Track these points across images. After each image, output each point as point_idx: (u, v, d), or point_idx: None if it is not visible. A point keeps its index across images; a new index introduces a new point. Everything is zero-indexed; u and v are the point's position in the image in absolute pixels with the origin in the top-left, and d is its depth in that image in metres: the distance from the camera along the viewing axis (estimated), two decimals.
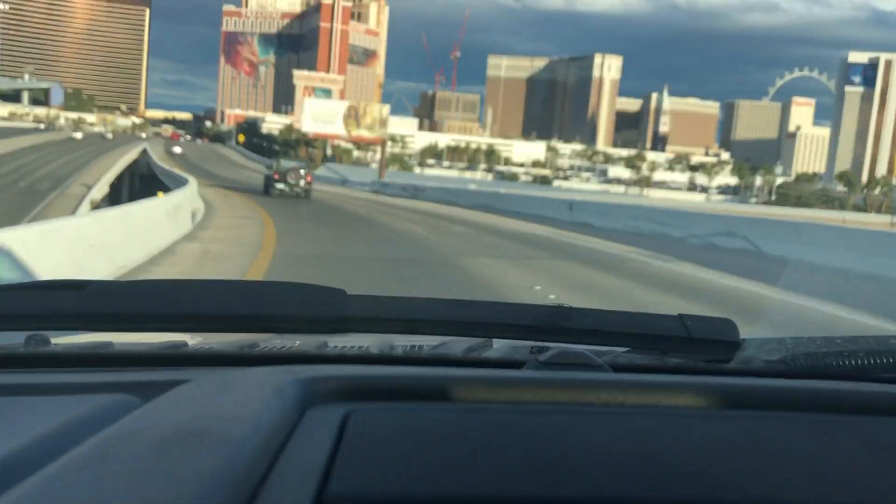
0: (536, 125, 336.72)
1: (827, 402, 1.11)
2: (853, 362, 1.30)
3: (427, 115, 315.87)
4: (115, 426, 0.84)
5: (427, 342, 1.52)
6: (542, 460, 0.85)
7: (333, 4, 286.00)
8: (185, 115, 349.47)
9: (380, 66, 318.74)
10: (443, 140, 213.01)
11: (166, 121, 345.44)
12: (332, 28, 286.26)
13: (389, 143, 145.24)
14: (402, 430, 0.91)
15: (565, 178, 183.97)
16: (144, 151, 72.19)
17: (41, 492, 0.67)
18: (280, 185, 35.50)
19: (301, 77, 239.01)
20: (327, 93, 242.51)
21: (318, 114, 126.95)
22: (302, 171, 36.59)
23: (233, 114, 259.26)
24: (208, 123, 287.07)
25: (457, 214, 34.38)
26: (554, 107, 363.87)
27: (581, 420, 0.99)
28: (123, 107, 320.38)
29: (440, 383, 1.09)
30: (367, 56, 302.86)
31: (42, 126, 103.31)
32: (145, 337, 1.48)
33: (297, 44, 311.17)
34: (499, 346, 1.47)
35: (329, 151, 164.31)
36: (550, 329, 1.33)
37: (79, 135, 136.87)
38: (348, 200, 43.65)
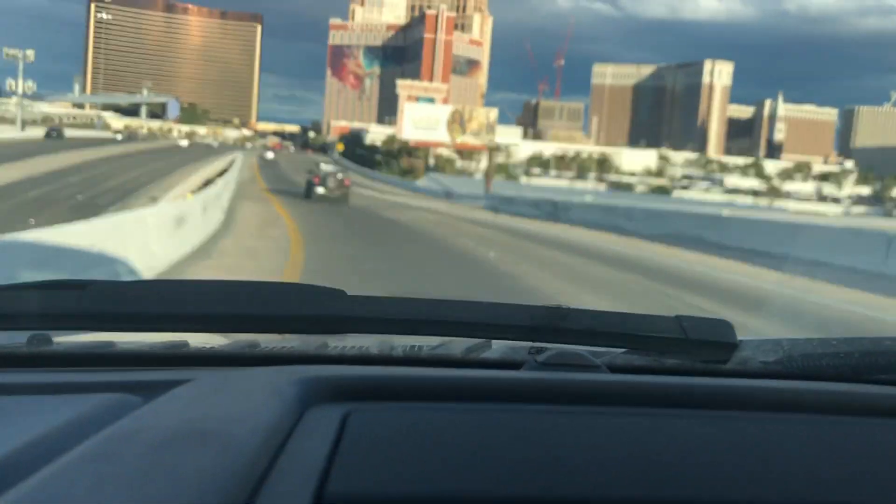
0: (643, 133, 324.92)
1: (823, 404, 1.11)
2: (849, 364, 1.29)
3: (530, 124, 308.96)
4: (115, 425, 0.84)
5: (426, 343, 1.51)
6: (541, 461, 0.85)
7: (437, 15, 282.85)
8: (293, 128, 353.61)
9: (482, 76, 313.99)
10: (547, 149, 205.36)
11: (275, 133, 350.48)
12: (435, 38, 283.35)
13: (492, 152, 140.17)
14: (401, 430, 0.91)
15: (683, 188, 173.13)
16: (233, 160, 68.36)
17: (43, 490, 0.67)
18: (319, 189, 36.05)
19: (404, 86, 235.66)
20: (430, 101, 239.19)
21: (420, 119, 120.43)
22: (340, 176, 37.05)
23: (337, 125, 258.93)
24: (312, 134, 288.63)
25: (678, 264, 19.48)
26: (661, 114, 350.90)
27: (579, 421, 0.99)
28: (236, 120, 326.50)
29: (439, 384, 1.10)
30: (470, 66, 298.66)
31: (119, 136, 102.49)
32: (146, 337, 1.47)
33: (401, 55, 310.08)
34: (497, 347, 1.46)
35: (431, 161, 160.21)
36: (549, 330, 1.33)
37: (185, 142, 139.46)
38: (456, 227, 29.54)
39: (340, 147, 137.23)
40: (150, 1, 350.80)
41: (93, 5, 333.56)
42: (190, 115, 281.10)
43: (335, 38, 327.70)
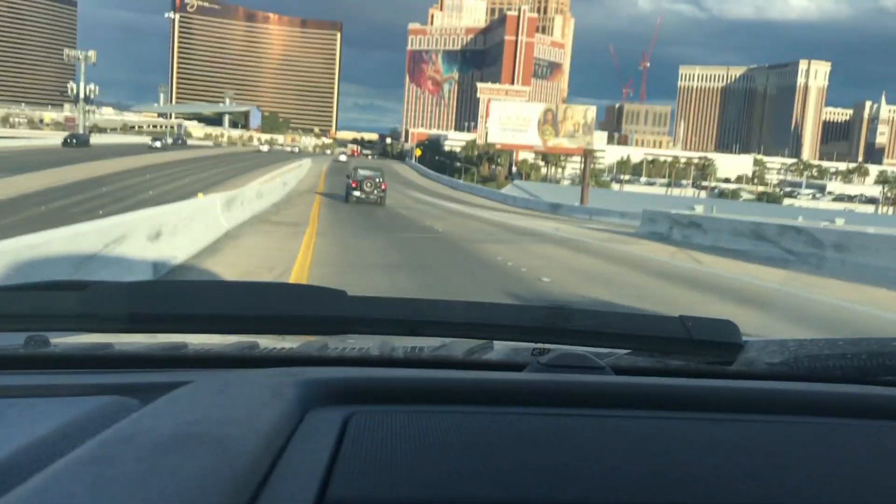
0: (732, 137, 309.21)
1: (830, 406, 1.09)
2: (856, 365, 1.27)
3: (614, 128, 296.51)
4: (114, 428, 0.83)
5: (428, 344, 1.50)
6: (544, 464, 0.84)
7: (518, 16, 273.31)
8: (372, 136, 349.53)
9: (564, 80, 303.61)
10: (634, 154, 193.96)
11: (354, 141, 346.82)
12: (516, 41, 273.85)
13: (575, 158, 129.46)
14: (403, 433, 0.90)
15: (788, 196, 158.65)
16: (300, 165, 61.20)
17: (40, 494, 0.66)
18: (357, 193, 36.54)
19: (484, 90, 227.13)
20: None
21: (508, 119, 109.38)
22: (377, 180, 37.17)
23: (416, 132, 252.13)
24: (388, 141, 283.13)
25: None
26: (752, 117, 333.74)
27: (583, 423, 0.97)
28: (317, 129, 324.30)
29: (441, 386, 1.08)
30: (552, 69, 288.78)
31: (157, 144, 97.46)
32: (145, 338, 1.46)
33: (480, 59, 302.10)
34: (500, 348, 1.45)
35: (513, 167, 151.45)
36: (551, 331, 1.31)
37: (265, 147, 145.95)
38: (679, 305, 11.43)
39: (418, 153, 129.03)
40: (233, 11, 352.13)
41: (177, 16, 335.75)
42: (271, 124, 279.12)
43: (414, 43, 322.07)
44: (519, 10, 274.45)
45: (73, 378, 1.20)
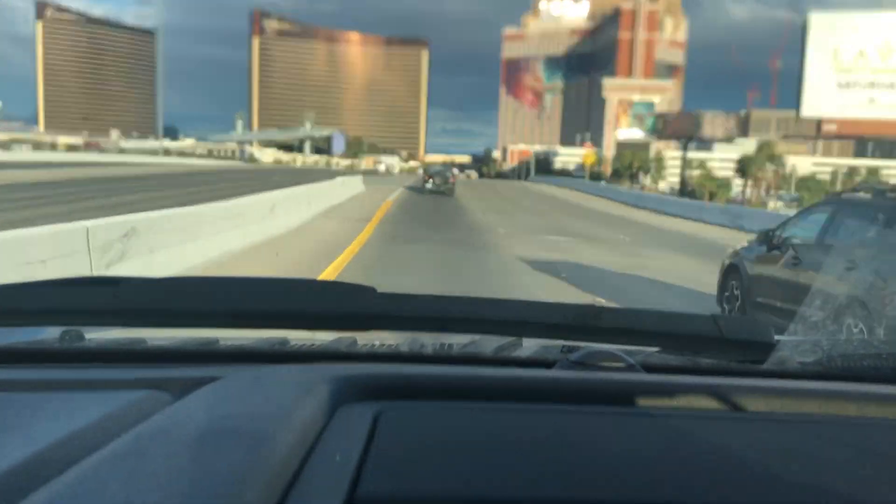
0: (882, 143, 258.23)
1: (863, 406, 1.07)
2: (890, 365, 1.24)
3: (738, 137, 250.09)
4: (148, 422, 0.83)
5: (457, 341, 1.48)
6: (575, 461, 0.83)
7: (635, 9, 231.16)
8: (463, 158, 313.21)
9: (681, 84, 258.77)
10: (801, 164, 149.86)
11: (444, 164, 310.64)
12: (633, 38, 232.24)
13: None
14: (433, 429, 0.89)
15: None
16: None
17: (75, 487, 0.66)
18: (428, 185, 43.70)
19: (612, 87, 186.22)
20: (649, 107, 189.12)
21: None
22: (447, 175, 44.84)
23: (515, 149, 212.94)
24: (483, 165, 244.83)
25: None
26: None
27: (614, 421, 0.96)
28: (404, 152, 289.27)
29: (471, 382, 1.07)
30: (671, 72, 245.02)
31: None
32: (178, 333, 1.46)
33: (588, 64, 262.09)
34: (529, 346, 1.43)
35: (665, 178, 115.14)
36: (581, 328, 1.27)
37: (382, 167, 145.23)
38: None
39: (590, 160, 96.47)
40: (313, 32, 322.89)
41: (256, 39, 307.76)
42: (355, 148, 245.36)
43: (510, 50, 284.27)
44: (636, 1, 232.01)
45: (108, 372, 1.20)
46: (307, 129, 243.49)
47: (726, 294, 8.95)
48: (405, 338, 1.50)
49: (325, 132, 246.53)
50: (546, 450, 0.84)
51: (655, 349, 1.33)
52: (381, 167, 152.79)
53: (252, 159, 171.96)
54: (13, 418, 0.93)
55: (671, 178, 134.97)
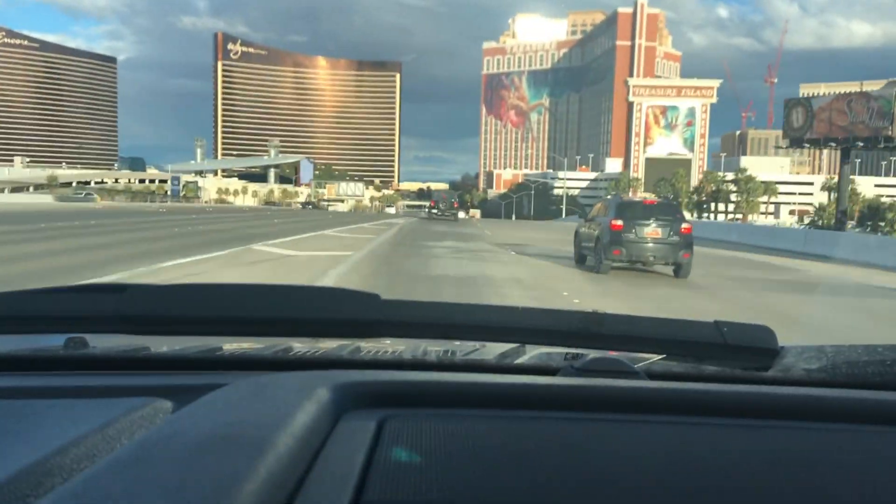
0: (870, 161, 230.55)
1: (869, 413, 1.02)
2: None
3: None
4: (151, 430, 0.81)
5: (461, 348, 1.45)
6: (578, 469, 0.81)
7: (634, 13, 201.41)
8: (440, 185, 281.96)
9: None
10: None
11: (420, 192, 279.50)
12: (633, 45, 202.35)
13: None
14: (437, 437, 0.86)
15: None
16: None
17: (81, 494, 0.65)
18: (434, 211, 50.36)
19: (640, 89, 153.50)
20: (675, 111, 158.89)
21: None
22: (451, 202, 50.32)
23: (503, 174, 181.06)
24: (461, 185, 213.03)
25: None
26: None
27: (619, 429, 0.93)
28: (377, 181, 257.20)
29: (475, 389, 1.04)
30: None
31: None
32: (181, 340, 1.44)
33: (579, 78, 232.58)
34: (533, 353, 1.40)
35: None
36: (585, 335, 1.26)
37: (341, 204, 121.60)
38: None
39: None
40: (281, 56, 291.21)
41: (219, 64, 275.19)
42: (325, 177, 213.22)
43: (490, 65, 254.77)
44: (635, 4, 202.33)
45: (112, 379, 1.18)
46: (271, 156, 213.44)
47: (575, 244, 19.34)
48: (409, 345, 1.48)
49: (289, 160, 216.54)
50: (550, 457, 0.83)
51: (659, 356, 1.30)
52: (340, 204, 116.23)
53: (189, 193, 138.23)
54: (18, 425, 0.91)
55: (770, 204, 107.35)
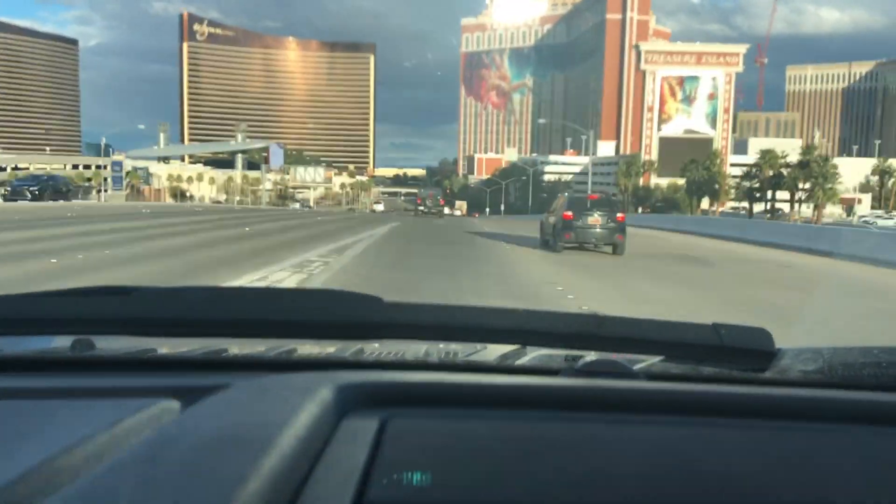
0: (855, 144, 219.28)
1: (864, 414, 1.02)
2: (891, 373, 1.18)
3: None
4: (158, 430, 0.82)
5: (462, 349, 1.45)
6: (578, 469, 0.80)
7: None
8: (417, 172, 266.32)
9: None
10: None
11: (396, 178, 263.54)
12: (623, 19, 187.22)
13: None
14: (439, 437, 0.86)
15: None
16: None
17: (88, 494, 0.65)
18: (421, 208, 49.02)
19: (653, 56, 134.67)
20: (694, 82, 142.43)
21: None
22: (438, 199, 49.95)
23: (486, 158, 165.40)
24: (439, 171, 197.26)
25: None
26: (890, 120, 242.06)
27: (618, 430, 0.92)
28: (352, 167, 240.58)
29: (477, 390, 1.04)
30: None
31: None
32: (186, 342, 1.44)
33: (564, 56, 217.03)
34: (533, 354, 1.39)
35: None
36: (585, 337, 1.25)
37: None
38: None
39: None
40: (250, 38, 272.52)
41: (185, 46, 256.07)
42: (297, 163, 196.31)
43: (469, 43, 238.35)
44: None
45: (118, 380, 1.17)
46: (239, 141, 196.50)
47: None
48: (411, 346, 1.48)
49: (259, 145, 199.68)
50: (550, 458, 0.82)
51: (658, 358, 1.30)
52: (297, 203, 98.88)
53: (135, 181, 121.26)
54: (26, 426, 0.91)
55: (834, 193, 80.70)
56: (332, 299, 1.30)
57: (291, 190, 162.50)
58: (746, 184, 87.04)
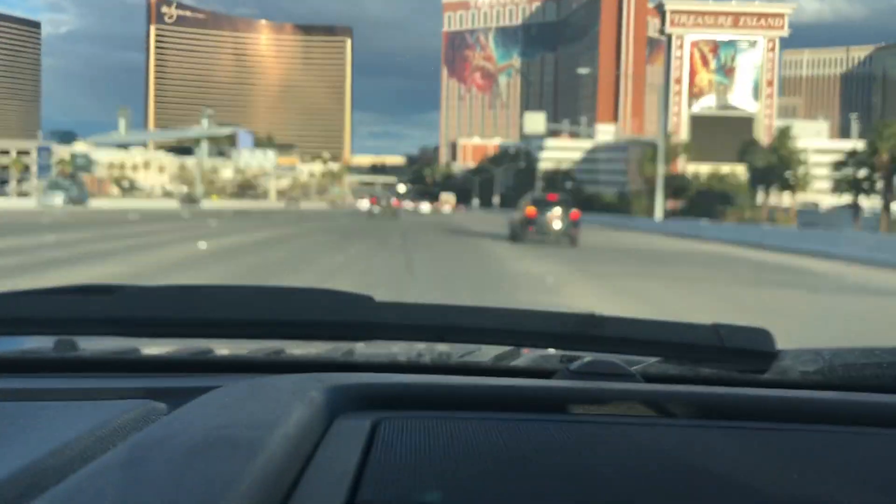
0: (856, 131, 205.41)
1: (866, 415, 1.00)
2: (893, 374, 1.15)
3: None
4: (143, 433, 0.79)
5: (455, 350, 1.40)
6: (573, 472, 0.78)
7: None
8: (396, 160, 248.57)
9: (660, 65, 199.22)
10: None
11: (373, 167, 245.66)
12: None
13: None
14: (430, 439, 0.84)
15: None
16: None
17: (72, 497, 0.62)
18: (375, 209, 46.02)
19: (680, 16, 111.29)
20: (730, 48, 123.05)
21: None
22: (392, 199, 47.94)
23: (471, 145, 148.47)
24: (419, 159, 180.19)
25: None
26: (889, 107, 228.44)
27: (614, 431, 0.90)
28: (326, 154, 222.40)
29: (470, 392, 1.01)
30: (653, 48, 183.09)
31: None
32: (173, 343, 1.41)
33: (554, 35, 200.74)
34: (528, 355, 1.35)
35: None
36: (581, 338, 1.20)
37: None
38: None
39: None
40: (220, 21, 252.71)
41: (153, 28, 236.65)
42: (268, 148, 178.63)
43: (452, 21, 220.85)
44: None
45: (103, 382, 1.13)
46: (204, 127, 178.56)
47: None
48: (403, 347, 1.45)
49: (225, 131, 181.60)
50: (545, 460, 0.80)
51: (656, 359, 1.26)
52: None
53: (66, 169, 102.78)
54: (8, 428, 0.88)
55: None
56: (322, 299, 1.26)
57: (254, 179, 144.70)
58: (847, 172, 65.91)
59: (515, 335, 1.25)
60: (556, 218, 22.65)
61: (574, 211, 23.37)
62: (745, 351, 1.19)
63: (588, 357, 1.20)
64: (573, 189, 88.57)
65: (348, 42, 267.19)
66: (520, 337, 1.25)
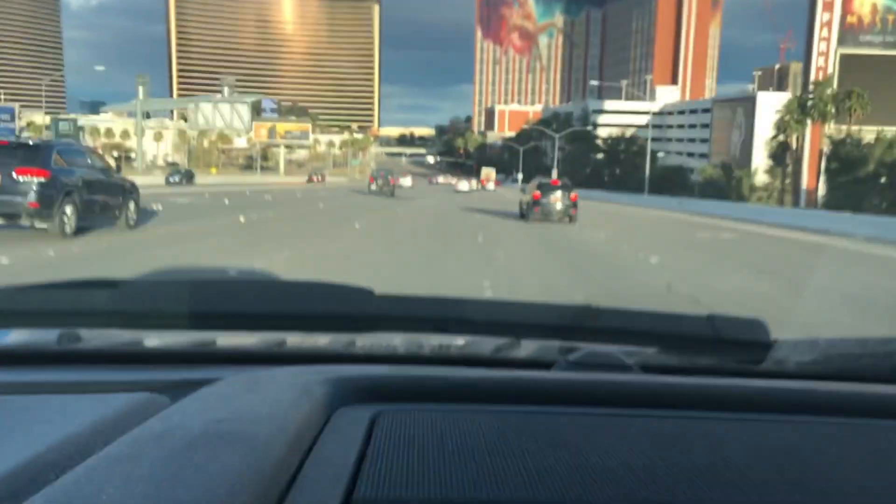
0: None
1: (862, 406, 0.98)
2: (889, 364, 1.15)
3: None
4: (144, 425, 0.78)
5: (455, 342, 1.39)
6: (573, 463, 0.77)
7: None
8: (425, 131, 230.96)
9: (717, 23, 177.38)
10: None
11: (402, 138, 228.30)
12: None
13: None
14: (430, 431, 0.83)
15: None
16: None
17: (73, 490, 0.62)
18: (373, 186, 46.37)
19: None
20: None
21: None
22: (389, 178, 46.82)
23: (510, 110, 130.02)
24: (449, 130, 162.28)
25: None
26: None
27: (612, 423, 0.89)
28: (354, 125, 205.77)
29: (469, 384, 1.00)
30: (716, 2, 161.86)
31: None
32: (175, 335, 1.36)
33: None
34: (527, 347, 1.32)
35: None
36: (579, 329, 1.21)
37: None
38: None
39: None
40: None
41: None
42: (294, 117, 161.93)
43: None
44: None
45: (105, 374, 1.13)
46: (225, 95, 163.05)
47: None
48: (403, 339, 1.42)
49: (248, 99, 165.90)
50: (544, 452, 0.79)
51: (653, 350, 1.24)
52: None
53: (32, 135, 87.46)
54: (10, 421, 0.87)
55: None
56: (322, 291, 1.25)
57: (273, 149, 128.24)
58: None
59: (514, 327, 1.24)
60: (558, 200, 25.29)
61: (573, 194, 25.90)
62: (740, 341, 1.19)
63: (586, 348, 1.19)
64: (653, 165, 66.75)
65: (375, 7, 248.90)
66: (519, 328, 1.25)
